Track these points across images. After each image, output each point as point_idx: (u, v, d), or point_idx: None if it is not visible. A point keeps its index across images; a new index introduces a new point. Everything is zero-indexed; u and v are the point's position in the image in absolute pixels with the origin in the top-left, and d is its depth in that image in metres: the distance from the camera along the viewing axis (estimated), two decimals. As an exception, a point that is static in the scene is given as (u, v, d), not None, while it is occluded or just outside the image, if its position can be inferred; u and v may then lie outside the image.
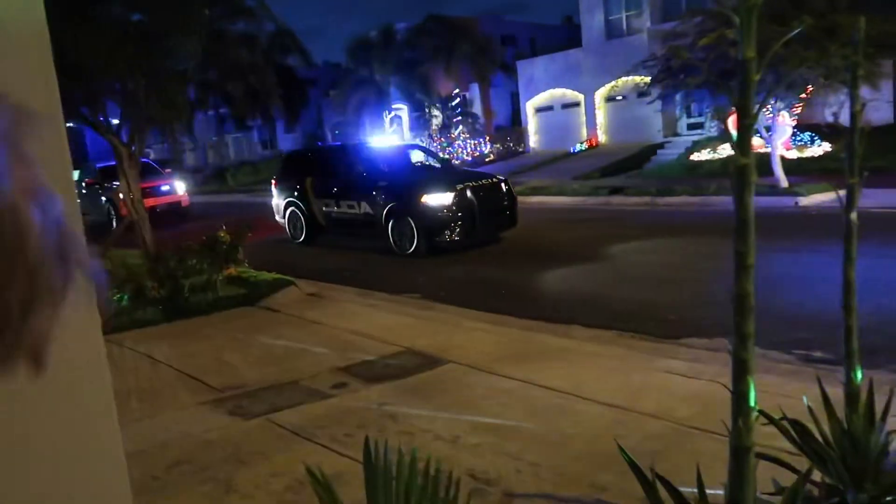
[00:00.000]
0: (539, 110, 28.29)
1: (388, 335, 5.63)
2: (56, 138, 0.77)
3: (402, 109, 30.19)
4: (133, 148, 9.49)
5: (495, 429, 3.72)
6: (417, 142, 25.02)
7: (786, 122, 13.48)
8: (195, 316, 6.79)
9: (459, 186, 9.94)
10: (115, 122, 9.12)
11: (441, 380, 4.58)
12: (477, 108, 29.58)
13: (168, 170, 21.89)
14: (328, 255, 10.92)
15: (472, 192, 9.95)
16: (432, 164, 12.99)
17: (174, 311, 6.81)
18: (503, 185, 10.57)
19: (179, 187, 18.37)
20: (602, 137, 25.99)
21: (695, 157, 19.69)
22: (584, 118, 26.53)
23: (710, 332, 5.30)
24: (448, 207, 9.69)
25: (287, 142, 38.85)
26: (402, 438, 3.64)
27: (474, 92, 29.60)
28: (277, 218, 12.50)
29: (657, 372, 4.45)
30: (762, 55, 1.47)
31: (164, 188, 17.78)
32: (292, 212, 12.10)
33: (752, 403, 1.62)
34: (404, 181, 10.65)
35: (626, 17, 24.87)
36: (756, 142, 13.82)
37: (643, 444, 3.25)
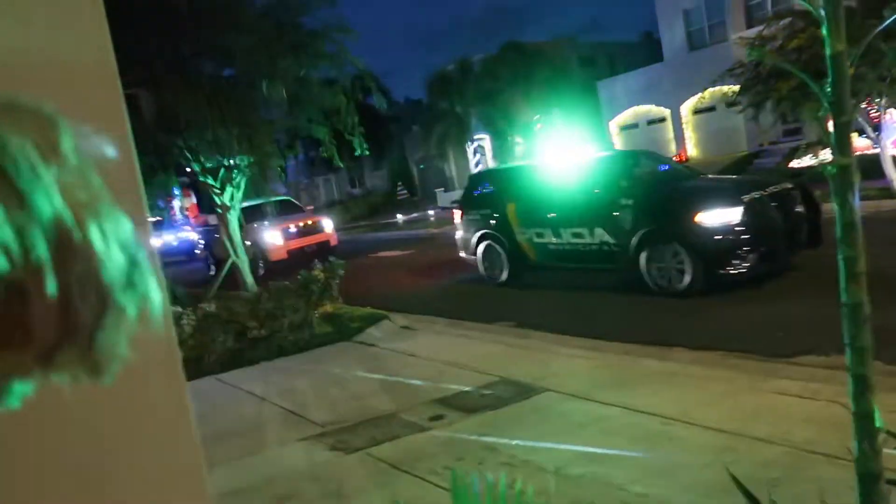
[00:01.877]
0: (624, 128, 27.79)
1: (482, 365, 5.60)
2: (128, 166, 0.81)
3: (484, 139, 30.42)
4: (230, 193, 10.00)
5: (599, 458, 3.59)
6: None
7: (892, 119, 12.59)
8: (294, 353, 7.00)
9: (748, 198, 7.38)
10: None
11: (539, 409, 4.49)
12: (559, 132, 29.37)
13: (310, 207, 20.88)
14: (555, 299, 8.58)
15: (766, 204, 7.45)
16: (680, 170, 10.09)
17: (275, 349, 7.06)
18: (800, 191, 7.98)
19: (327, 225, 16.84)
20: (692, 151, 25.17)
21: (794, 163, 18.69)
22: (671, 133, 25.82)
23: (826, 349, 4.94)
24: (736, 227, 7.15)
25: (374, 179, 39.95)
26: (503, 470, 3.58)
27: (555, 116, 29.45)
28: (464, 255, 10.41)
29: (769, 393, 4.18)
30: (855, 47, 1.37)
31: (312, 227, 16.43)
32: (488, 246, 9.79)
33: (877, 424, 1.48)
34: (663, 196, 8.07)
35: (709, 26, 24.16)
36: (863, 143, 12.96)
37: (758, 472, 3.04)
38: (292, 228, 15.87)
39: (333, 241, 16.58)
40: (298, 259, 14.05)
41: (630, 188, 8.34)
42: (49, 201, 0.33)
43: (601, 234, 8.24)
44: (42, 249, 0.33)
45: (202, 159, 9.76)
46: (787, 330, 5.81)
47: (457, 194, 30.62)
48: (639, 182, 8.76)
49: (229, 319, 7.33)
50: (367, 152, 10.77)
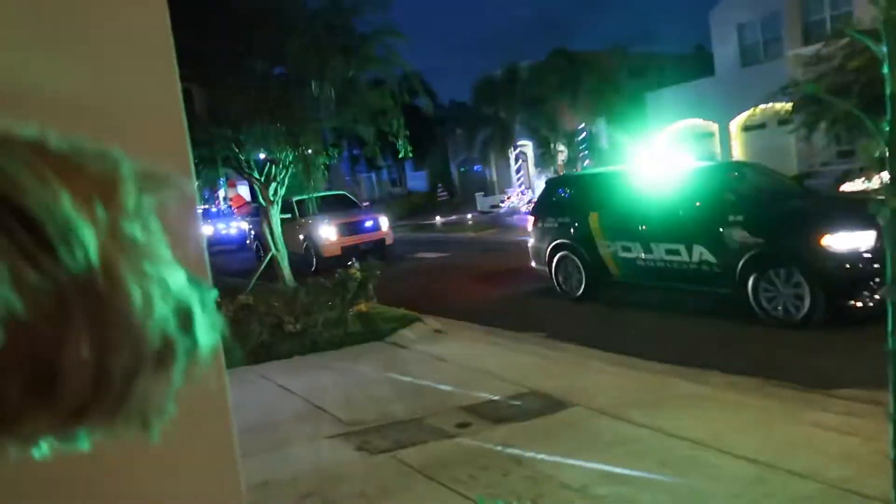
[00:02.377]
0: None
1: (512, 374, 5.58)
2: (188, 203, 0.83)
3: (527, 146, 30.31)
4: (273, 188, 10.17)
5: (625, 479, 3.54)
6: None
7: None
8: (327, 350, 7.08)
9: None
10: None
11: (567, 424, 4.45)
12: (604, 142, 29.12)
13: (367, 203, 20.03)
14: (641, 320, 7.62)
15: None
16: (791, 185, 9.16)
17: (308, 345, 7.15)
18: None
19: (383, 223, 16.28)
20: (739, 168, 24.67)
21: (846, 187, 18.18)
22: (719, 148, 25.36)
23: (868, 383, 4.79)
24: (868, 253, 6.30)
25: (415, 180, 40.14)
26: (526, 484, 3.57)
27: (601, 126, 29.20)
28: (535, 265, 9.68)
29: (805, 425, 4.08)
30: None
31: (368, 224, 15.92)
32: (564, 257, 9.03)
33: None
34: (780, 214, 7.19)
35: (764, 41, 23.68)
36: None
37: (790, 507, 2.97)
38: (348, 225, 15.48)
39: (389, 240, 16.11)
40: (352, 256, 13.67)
41: (739, 203, 7.43)
42: (82, 254, 0.33)
43: (701, 253, 7.38)
44: (75, 303, 0.32)
45: (249, 153, 9.95)
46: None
47: (495, 199, 30.64)
48: (749, 196, 7.79)
49: (266, 312, 7.45)
50: (411, 154, 10.83)
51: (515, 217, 25.44)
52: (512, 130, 28.47)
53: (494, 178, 33.91)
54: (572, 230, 8.92)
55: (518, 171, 31.40)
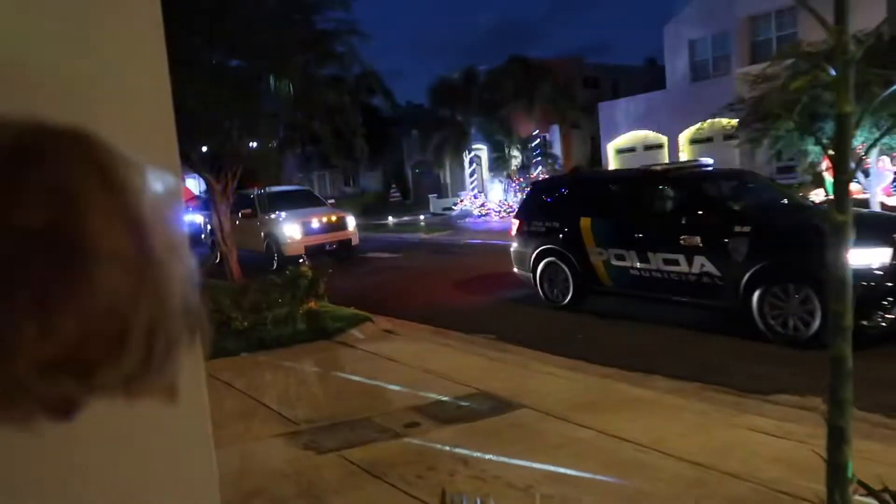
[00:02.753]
0: (620, 152, 27.99)
1: (461, 375, 5.61)
2: (176, 195, 0.82)
3: (482, 150, 30.53)
4: (223, 184, 9.98)
5: (570, 480, 3.61)
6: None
7: (886, 167, 12.78)
8: (276, 348, 6.98)
9: None
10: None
11: (514, 425, 4.51)
12: (557, 150, 29.55)
13: (332, 201, 19.36)
14: (632, 332, 7.33)
15: None
16: (794, 198, 8.92)
17: (256, 342, 7.04)
18: None
19: (350, 222, 15.53)
20: (686, 180, 25.40)
21: (785, 202, 18.93)
22: (667, 160, 26.05)
23: (801, 389, 5.00)
24: (885, 271, 6.05)
25: (368, 179, 39.93)
26: (474, 484, 3.60)
27: (554, 133, 29.62)
28: (517, 270, 9.25)
29: (742, 429, 4.23)
30: (859, 101, 1.41)
31: (334, 223, 15.20)
32: (549, 263, 8.60)
33: (849, 475, 1.51)
34: (791, 227, 6.80)
35: (713, 58, 24.45)
36: (854, 188, 13.15)
37: (727, 507, 3.08)
38: (313, 223, 14.79)
39: (355, 241, 15.52)
40: (316, 256, 13.02)
41: (745, 213, 7.07)
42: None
43: (702, 264, 6.94)
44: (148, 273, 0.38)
45: (200, 145, 9.74)
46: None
47: (448, 201, 30.74)
48: (757, 207, 7.43)
49: (214, 309, 7.30)
50: (366, 153, 10.78)
51: (468, 220, 25.58)
52: (467, 134, 28.63)
53: (448, 180, 34.03)
54: (561, 235, 8.50)
55: (472, 174, 31.58)
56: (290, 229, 14.60)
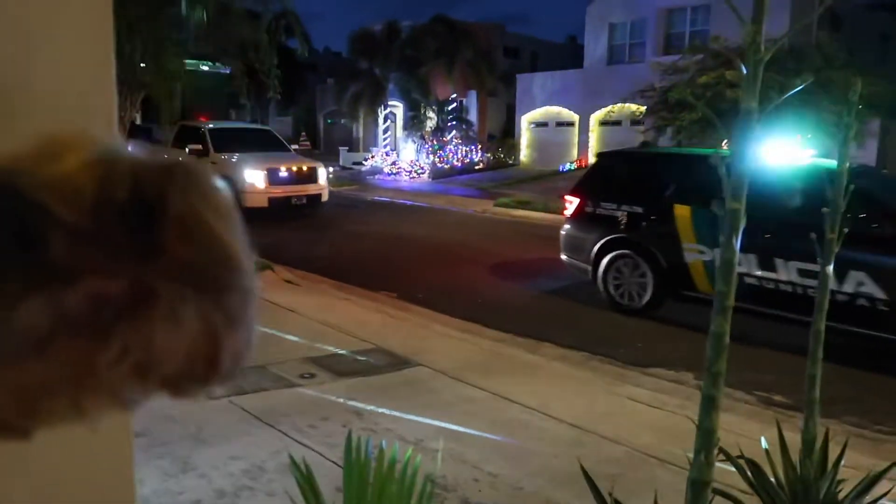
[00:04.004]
0: (533, 125, 28.50)
1: (360, 331, 5.64)
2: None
3: (398, 107, 30.19)
4: (123, 113, 9.38)
5: (458, 436, 3.74)
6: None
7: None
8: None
9: None
10: None
11: (409, 381, 4.60)
12: (472, 116, 29.67)
13: (295, 147, 16.98)
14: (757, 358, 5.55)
15: None
16: None
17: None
18: None
19: (321, 175, 13.22)
20: (592, 159, 26.26)
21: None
22: (576, 138, 26.78)
23: (676, 365, 5.39)
24: None
25: (278, 124, 38.60)
26: (364, 435, 3.66)
27: (471, 99, 29.69)
28: (568, 258, 7.68)
29: (621, 398, 4.52)
30: (761, 103, 1.52)
31: (304, 173, 12.94)
32: (621, 258, 7.01)
33: (716, 440, 1.67)
34: None
35: (630, 44, 25.19)
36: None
37: (601, 467, 3.30)
38: (281, 171, 12.52)
39: (325, 197, 13.40)
40: (281, 211, 11.89)
41: None
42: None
43: (860, 281, 5.47)
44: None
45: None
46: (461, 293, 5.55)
47: (359, 156, 30.30)
48: None
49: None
50: (279, 96, 10.40)
51: (377, 177, 25.36)
52: (385, 89, 28.16)
53: (360, 134, 33.48)
54: (644, 224, 6.90)
55: (386, 131, 31.21)
56: (252, 175, 12.25)
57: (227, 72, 9.99)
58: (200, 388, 0.42)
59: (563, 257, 7.80)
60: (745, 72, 1.45)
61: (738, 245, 1.60)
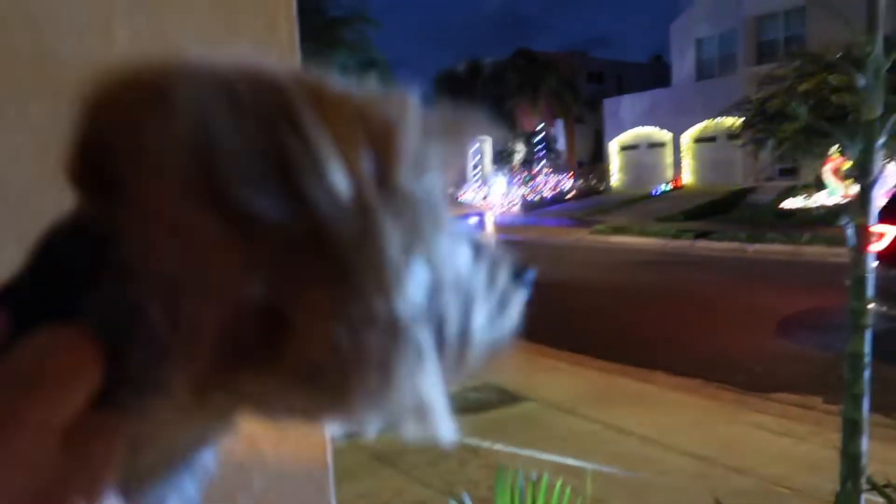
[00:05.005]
0: (624, 148, 28.05)
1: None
2: None
3: (486, 140, 30.57)
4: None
5: (577, 471, 3.68)
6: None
7: (892, 172, 12.85)
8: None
9: None
10: None
11: (522, 417, 4.58)
12: (560, 145, 29.60)
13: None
14: None
15: None
16: None
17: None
18: None
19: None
20: (688, 179, 25.47)
21: (786, 203, 19.00)
22: (670, 158, 26.11)
23: (801, 388, 5.08)
24: None
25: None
26: (483, 472, 3.67)
27: (558, 128, 29.67)
28: (882, 307, 4.92)
29: (744, 425, 4.31)
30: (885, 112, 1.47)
31: None
32: None
33: (863, 466, 1.59)
34: None
35: (720, 57, 24.48)
36: (855, 190, 13.22)
37: (729, 499, 3.15)
38: None
39: None
40: None
41: None
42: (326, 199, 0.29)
43: None
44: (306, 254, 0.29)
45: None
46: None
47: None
48: None
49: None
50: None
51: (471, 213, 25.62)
52: (471, 126, 28.63)
53: (451, 172, 34.01)
54: None
55: (475, 167, 31.62)
56: None
57: None
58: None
59: (874, 306, 5.19)
60: (862, 82, 1.41)
61: (869, 261, 1.54)
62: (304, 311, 0.28)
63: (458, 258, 0.34)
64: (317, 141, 0.28)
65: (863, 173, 1.45)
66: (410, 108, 0.33)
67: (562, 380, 5.38)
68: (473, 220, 11.56)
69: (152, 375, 0.28)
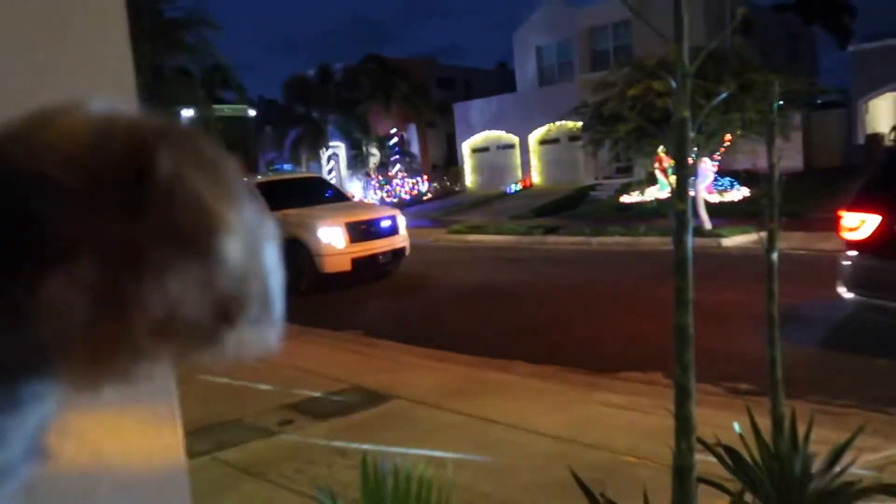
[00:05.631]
0: (475, 151, 28.96)
1: (333, 371, 5.64)
2: None
3: (340, 147, 30.32)
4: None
5: (444, 462, 3.78)
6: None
7: (708, 168, 14.29)
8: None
9: None
10: None
11: (388, 415, 4.62)
12: (414, 148, 30.01)
13: (352, 194, 15.24)
14: None
15: None
16: None
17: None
18: None
19: (401, 224, 10.92)
20: (536, 178, 26.79)
21: (624, 198, 20.56)
22: (519, 160, 27.31)
23: (645, 367, 5.55)
24: None
25: (220, 177, 38.14)
26: (352, 473, 3.66)
27: (412, 132, 30.06)
28: (851, 293, 5.65)
29: (597, 404, 4.63)
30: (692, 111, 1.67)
31: (385, 225, 10.56)
32: None
33: (693, 426, 1.78)
34: None
35: (558, 64, 25.98)
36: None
37: (587, 473, 3.36)
38: (360, 224, 10.21)
39: (408, 250, 11.05)
40: (365, 273, 10.13)
41: None
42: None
43: None
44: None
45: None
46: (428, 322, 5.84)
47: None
48: None
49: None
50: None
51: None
52: (324, 131, 28.29)
53: (305, 178, 33.41)
54: None
55: (330, 171, 31.25)
56: (328, 233, 9.90)
57: (252, 115, 9.61)
58: (208, 343, 0.42)
59: (849, 295, 5.65)
60: (674, 85, 1.60)
61: (690, 242, 1.74)
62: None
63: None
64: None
65: (679, 165, 1.64)
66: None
67: (426, 376, 5.49)
68: (386, 222, 10.79)
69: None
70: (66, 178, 0.35)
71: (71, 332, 0.36)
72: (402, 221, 10.92)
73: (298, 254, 9.55)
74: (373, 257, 10.14)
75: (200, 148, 0.40)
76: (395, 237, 10.60)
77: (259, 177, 11.91)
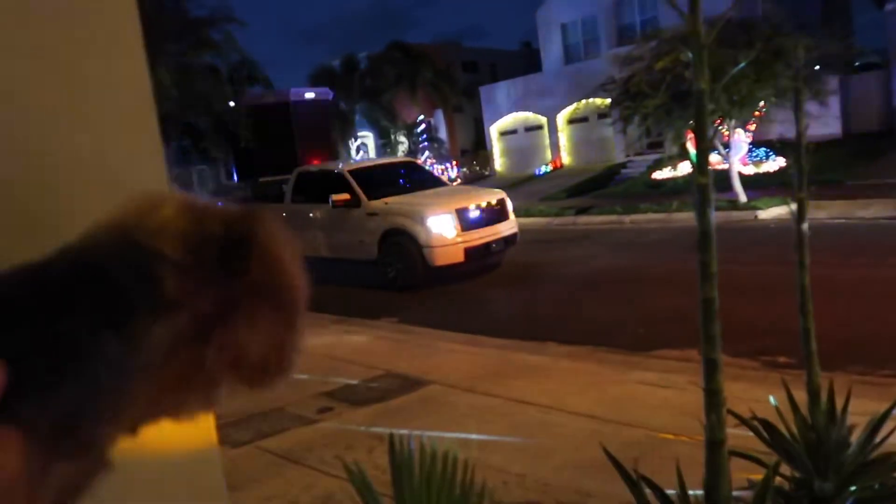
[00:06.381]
0: (503, 133, 28.79)
1: (368, 359, 5.72)
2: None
3: (368, 137, 30.43)
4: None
5: (480, 444, 3.83)
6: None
7: (741, 139, 13.99)
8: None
9: None
10: None
11: (424, 400, 4.68)
12: (442, 134, 29.96)
13: (458, 179, 14.51)
14: None
15: None
16: None
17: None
18: None
19: (509, 206, 10.02)
20: (566, 159, 26.54)
21: (656, 175, 20.25)
22: (547, 140, 27.08)
23: (679, 344, 5.50)
24: None
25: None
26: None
27: (439, 118, 30.01)
28: None
29: (631, 383, 4.62)
30: (715, 80, 1.65)
31: (495, 209, 9.61)
32: None
33: (723, 398, 1.78)
34: None
35: (584, 41, 25.61)
36: (714, 158, 14.30)
37: (622, 451, 3.36)
38: (470, 211, 9.23)
39: (518, 235, 10.12)
40: (478, 263, 9.33)
41: None
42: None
43: None
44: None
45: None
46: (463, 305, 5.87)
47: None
48: None
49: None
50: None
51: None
52: (352, 121, 28.42)
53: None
54: None
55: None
56: (440, 223, 8.96)
57: (330, 97, 9.62)
58: (273, 379, 0.52)
59: None
60: (690, 57, 1.58)
61: (713, 216, 1.72)
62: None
63: None
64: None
65: (699, 138, 1.62)
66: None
67: (460, 361, 5.54)
68: (495, 206, 9.68)
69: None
70: (177, 254, 0.45)
71: (166, 362, 0.45)
72: (509, 205, 9.97)
73: (405, 246, 8.98)
74: (486, 245, 9.24)
75: (276, 225, 0.50)
76: (506, 222, 9.71)
77: (352, 162, 11.30)
